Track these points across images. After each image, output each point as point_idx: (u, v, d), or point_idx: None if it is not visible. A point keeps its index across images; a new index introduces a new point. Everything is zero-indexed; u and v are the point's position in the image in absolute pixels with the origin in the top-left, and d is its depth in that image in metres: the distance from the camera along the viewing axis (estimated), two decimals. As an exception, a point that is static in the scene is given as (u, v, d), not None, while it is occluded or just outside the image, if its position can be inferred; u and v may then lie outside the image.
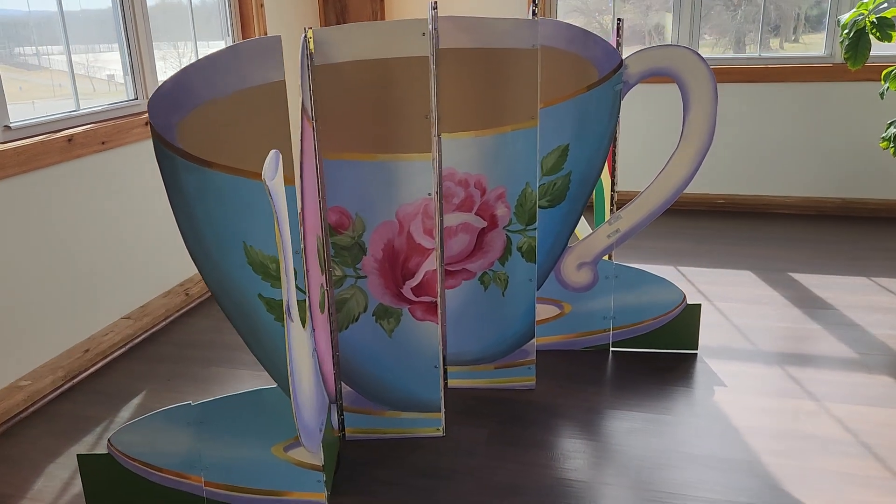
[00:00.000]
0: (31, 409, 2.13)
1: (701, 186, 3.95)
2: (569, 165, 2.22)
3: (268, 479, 1.66)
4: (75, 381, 2.29)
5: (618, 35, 2.17)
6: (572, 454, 1.86)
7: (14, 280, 2.11)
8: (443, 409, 1.99)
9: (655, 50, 2.13)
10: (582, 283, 2.34)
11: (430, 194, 1.74)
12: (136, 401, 2.18)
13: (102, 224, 2.44)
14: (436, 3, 1.84)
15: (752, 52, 3.85)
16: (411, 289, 1.82)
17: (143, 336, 2.61)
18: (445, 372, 2.19)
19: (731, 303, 2.73)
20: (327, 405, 1.73)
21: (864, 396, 2.07)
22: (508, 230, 2.04)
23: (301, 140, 1.52)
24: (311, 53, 1.61)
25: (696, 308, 2.34)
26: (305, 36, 1.60)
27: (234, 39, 3.27)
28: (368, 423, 1.94)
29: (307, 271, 1.53)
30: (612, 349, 2.41)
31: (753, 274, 3.01)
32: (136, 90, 2.69)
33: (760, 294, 2.80)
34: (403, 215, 1.76)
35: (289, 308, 1.26)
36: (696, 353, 2.36)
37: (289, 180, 1.46)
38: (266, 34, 3.35)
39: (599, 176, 2.26)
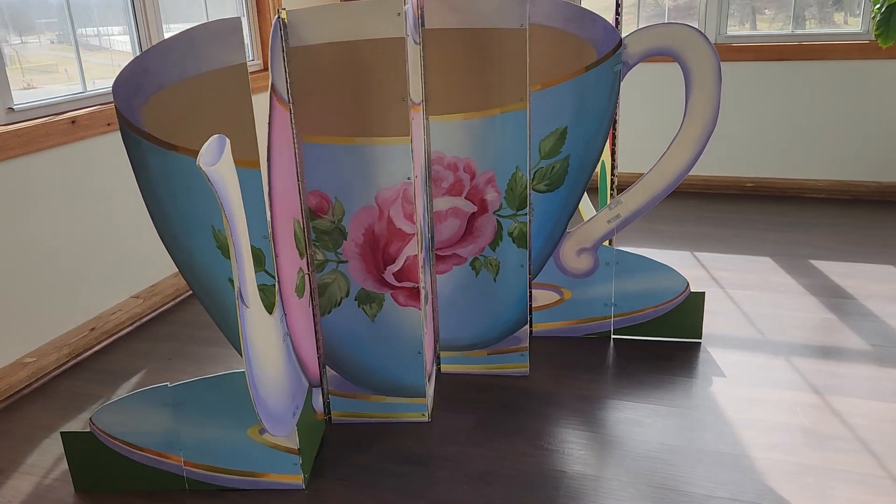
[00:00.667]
0: (34, 385, 2.20)
1: (729, 169, 3.82)
2: (567, 149, 2.16)
3: (245, 461, 1.68)
4: (79, 358, 2.35)
5: (617, 13, 2.09)
6: (556, 444, 1.83)
7: (22, 259, 2.17)
8: (431, 395, 1.98)
9: (656, 28, 2.05)
10: (582, 269, 2.29)
11: (409, 179, 1.71)
12: (135, 379, 2.22)
13: (112, 204, 2.48)
14: (421, -18, 1.81)
15: (803, 28, 3.69)
16: (393, 274, 1.80)
17: (150, 315, 2.66)
18: (438, 357, 2.17)
19: (745, 290, 2.64)
20: (306, 389, 1.74)
21: (870, 390, 1.99)
22: (499, 215, 2.01)
23: (269, 122, 1.51)
24: (285, 35, 1.60)
25: (700, 296, 2.27)
26: (279, 17, 1.58)
27: (248, 19, 3.28)
28: (354, 407, 1.94)
29: (276, 256, 1.53)
30: (613, 337, 2.36)
31: (773, 260, 2.91)
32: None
33: (778, 282, 2.70)
34: (382, 200, 1.74)
35: (241, 294, 1.25)
36: (699, 343, 2.30)
37: (253, 164, 1.45)
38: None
39: (599, 159, 2.20)
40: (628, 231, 3.29)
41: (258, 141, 1.45)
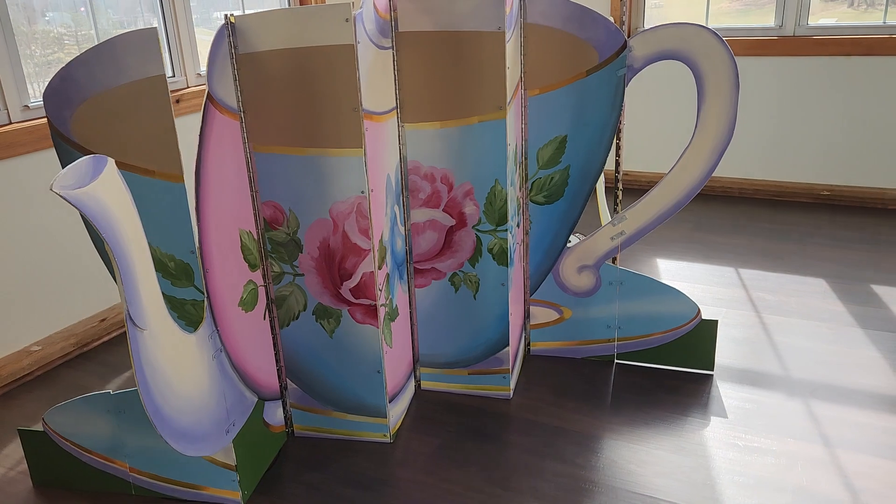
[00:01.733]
0: (37, 373, 2.28)
1: (803, 174, 3.48)
2: (567, 159, 2.00)
3: (186, 473, 1.66)
4: (86, 349, 2.42)
5: (622, 12, 1.90)
6: (514, 482, 1.70)
7: (37, 249, 2.25)
8: (398, 414, 1.89)
9: (664, 29, 1.85)
10: (583, 288, 2.13)
11: (362, 192, 1.62)
12: (129, 373, 2.27)
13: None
14: (392, -18, 1.70)
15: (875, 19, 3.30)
16: (350, 290, 1.72)
17: (166, 307, 2.71)
18: (417, 373, 2.08)
19: (782, 316, 2.38)
20: (250, 404, 1.69)
21: (889, 447, 1.73)
22: (478, 230, 1.88)
23: (203, 133, 1.46)
24: (233, 42, 1.54)
25: (712, 325, 2.06)
26: (226, 23, 1.52)
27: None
28: (316, 422, 1.89)
29: (207, 271, 1.48)
30: (616, 361, 2.18)
31: (828, 283, 2.61)
32: (173, 68, 2.75)
33: (825, 309, 2.43)
34: (337, 213, 1.66)
35: (129, 316, 1.21)
36: (710, 375, 2.09)
37: (176, 178, 1.41)
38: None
39: (601, 171, 2.02)
40: (668, 238, 3.06)
41: (183, 153, 1.40)
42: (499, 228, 1.86)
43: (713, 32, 1.81)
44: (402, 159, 1.85)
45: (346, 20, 1.49)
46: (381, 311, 1.75)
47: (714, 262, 2.84)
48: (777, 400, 1.95)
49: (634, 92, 3.61)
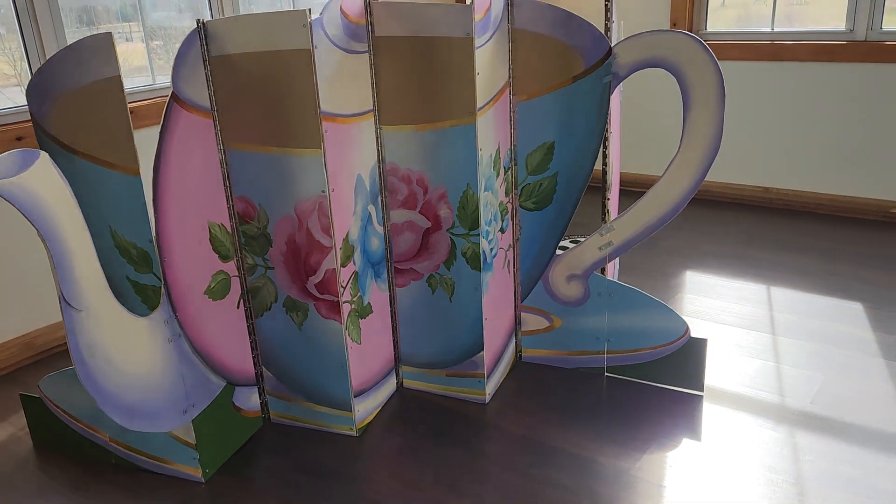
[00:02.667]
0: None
1: (871, 190, 3.24)
2: (555, 165, 1.98)
3: (156, 447, 1.77)
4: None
5: (607, 18, 1.86)
6: (461, 483, 1.71)
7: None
8: (370, 409, 1.94)
9: (649, 36, 1.80)
10: (572, 297, 2.09)
11: (323, 192, 1.68)
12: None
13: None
14: (369, -12, 1.75)
15: (956, 25, 3.02)
16: (315, 285, 1.79)
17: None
18: (398, 371, 2.12)
19: (798, 340, 2.25)
20: (214, 388, 1.78)
21: (870, 490, 1.61)
22: (452, 233, 1.90)
23: (165, 130, 1.56)
24: (206, 44, 1.63)
25: (702, 344, 1.97)
26: (199, 27, 1.62)
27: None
28: (290, 410, 1.97)
29: (163, 259, 1.58)
30: (606, 374, 2.14)
31: (865, 308, 2.44)
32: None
33: (849, 335, 2.27)
34: (301, 210, 1.72)
35: (63, 297, 1.33)
36: (700, 396, 2.00)
37: (134, 171, 1.51)
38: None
39: (588, 179, 1.99)
40: (713, 254, 2.94)
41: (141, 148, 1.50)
42: (471, 233, 1.86)
43: (698, 40, 1.74)
44: (381, 160, 1.89)
45: (304, 26, 1.55)
46: (346, 308, 1.80)
47: (746, 276, 2.70)
48: (761, 433, 1.85)
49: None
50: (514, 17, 1.88)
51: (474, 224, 1.85)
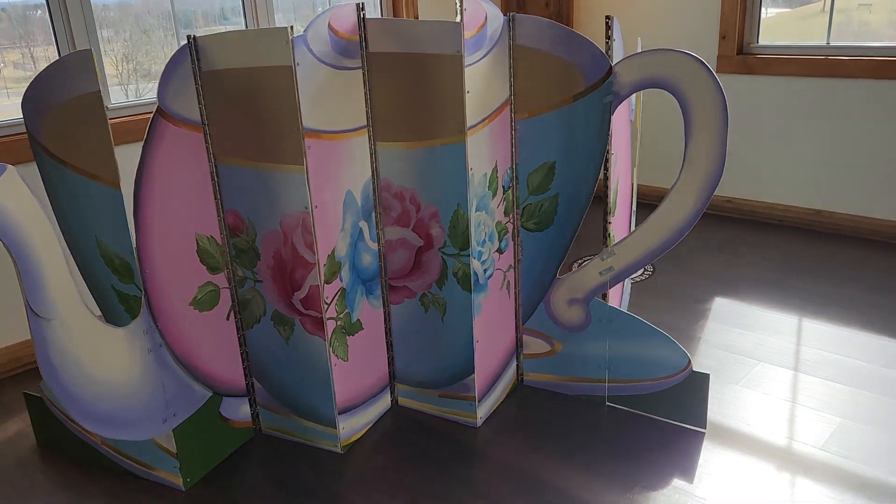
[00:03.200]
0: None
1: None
2: (556, 186, 1.93)
3: (142, 452, 1.81)
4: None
5: (608, 37, 1.79)
6: (436, 511, 1.67)
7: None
8: (358, 427, 1.93)
9: (649, 55, 1.72)
10: (573, 322, 2.03)
11: (306, 208, 1.67)
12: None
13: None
14: (362, 4, 1.74)
15: None
16: (300, 300, 1.78)
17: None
18: (393, 388, 2.10)
19: (824, 380, 2.10)
20: (197, 398, 1.80)
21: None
22: (444, 253, 1.86)
23: (149, 144, 1.58)
24: (197, 60, 1.65)
25: (703, 379, 1.87)
26: (189, 43, 1.64)
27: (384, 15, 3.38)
28: (279, 423, 1.97)
29: (143, 271, 1.61)
30: (607, 403, 2.05)
31: (904, 346, 2.27)
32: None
33: (884, 378, 2.11)
34: (286, 226, 1.72)
35: (30, 307, 1.36)
36: (702, 433, 1.90)
37: (115, 184, 1.54)
38: (416, 15, 3.40)
39: (589, 202, 1.92)
40: (733, 274, 2.79)
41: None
42: (462, 253, 1.83)
43: (699, 60, 1.65)
44: (375, 176, 1.87)
45: (286, 43, 1.55)
46: (330, 325, 1.79)
47: (782, 308, 2.55)
48: (757, 477, 1.74)
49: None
50: (516, 34, 1.83)
51: (465, 244, 1.81)
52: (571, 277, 1.98)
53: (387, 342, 2.03)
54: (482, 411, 1.99)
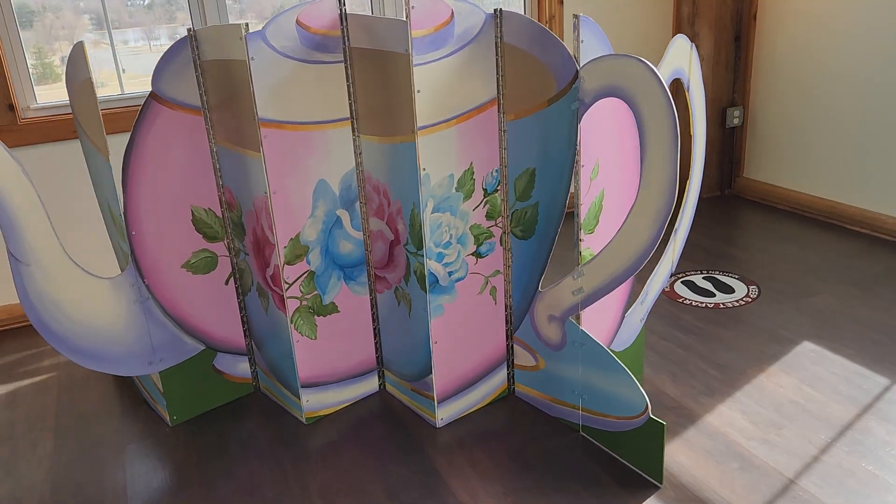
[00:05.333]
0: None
1: None
2: (536, 194, 1.82)
3: (149, 384, 2.11)
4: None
5: (575, 37, 1.61)
6: (337, 498, 1.73)
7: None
8: (330, 402, 2.03)
9: (607, 60, 1.54)
10: (552, 340, 1.91)
11: (265, 192, 1.80)
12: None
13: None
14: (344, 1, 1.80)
15: None
16: (270, 277, 1.92)
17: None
18: (382, 374, 2.15)
19: (847, 444, 1.73)
20: (186, 347, 2.01)
21: None
22: (407, 249, 1.87)
23: (138, 123, 1.81)
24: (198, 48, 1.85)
25: (658, 428, 1.66)
26: (190, 33, 1.84)
27: (529, 12, 3.33)
28: (268, 384, 2.15)
29: (131, 232, 1.86)
30: (581, 433, 1.91)
31: None
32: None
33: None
34: (257, 207, 1.87)
35: (10, 252, 1.67)
36: (657, 488, 1.69)
37: (105, 156, 1.80)
38: (549, 19, 3.30)
39: (563, 213, 1.78)
40: (813, 303, 2.33)
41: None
42: (419, 252, 1.82)
43: (647, 66, 1.44)
44: (359, 168, 1.93)
45: (240, 38, 1.67)
46: (293, 303, 1.91)
47: (851, 352, 2.11)
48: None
49: None
50: (504, 31, 1.75)
51: (420, 243, 1.80)
52: (550, 293, 1.86)
53: (374, 329, 2.09)
54: (444, 413, 1.97)
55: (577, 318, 1.81)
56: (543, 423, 1.96)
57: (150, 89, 1.82)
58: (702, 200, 3.56)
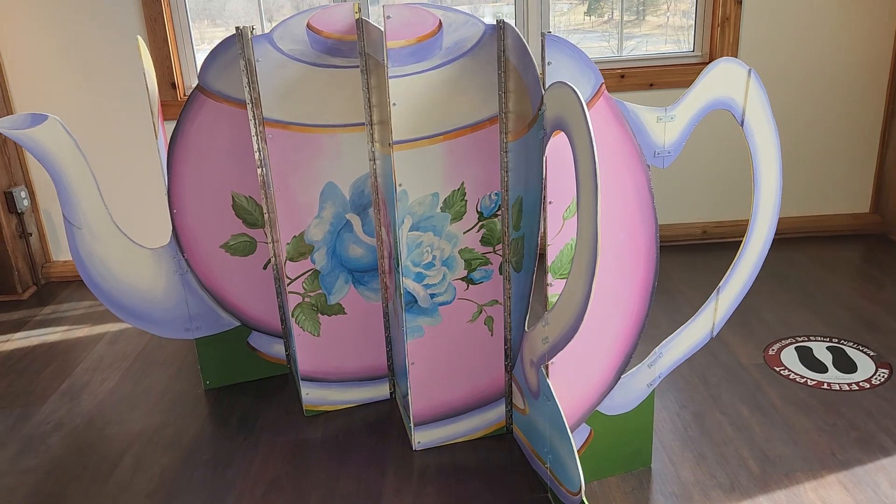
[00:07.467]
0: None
1: None
2: (523, 226, 1.67)
3: (200, 350, 2.32)
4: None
5: (543, 58, 1.41)
6: (280, 482, 1.76)
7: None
8: (326, 396, 2.07)
9: (551, 88, 1.34)
10: (532, 385, 1.74)
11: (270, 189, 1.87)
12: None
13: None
14: (358, 7, 1.79)
15: None
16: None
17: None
18: (394, 382, 2.12)
19: None
20: (225, 323, 2.17)
21: None
22: (393, 264, 1.81)
23: (184, 113, 1.98)
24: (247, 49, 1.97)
25: (585, 514, 1.43)
26: (238, 32, 1.96)
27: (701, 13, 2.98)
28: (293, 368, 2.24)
29: (173, 210, 2.05)
30: (548, 495, 1.71)
31: None
32: (694, 43, 3.04)
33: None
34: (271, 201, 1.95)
35: (66, 217, 1.94)
36: (582, 581, 1.47)
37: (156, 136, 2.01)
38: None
39: (537, 250, 1.59)
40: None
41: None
42: (398, 268, 1.76)
43: (572, 89, 1.23)
44: (373, 175, 1.90)
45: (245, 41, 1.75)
46: (294, 298, 1.96)
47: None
48: None
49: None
50: (506, 45, 1.60)
51: (399, 260, 1.74)
52: (529, 335, 1.69)
53: (387, 337, 2.07)
54: (422, 437, 1.89)
55: (546, 368, 1.62)
56: (521, 475, 1.79)
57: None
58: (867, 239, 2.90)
